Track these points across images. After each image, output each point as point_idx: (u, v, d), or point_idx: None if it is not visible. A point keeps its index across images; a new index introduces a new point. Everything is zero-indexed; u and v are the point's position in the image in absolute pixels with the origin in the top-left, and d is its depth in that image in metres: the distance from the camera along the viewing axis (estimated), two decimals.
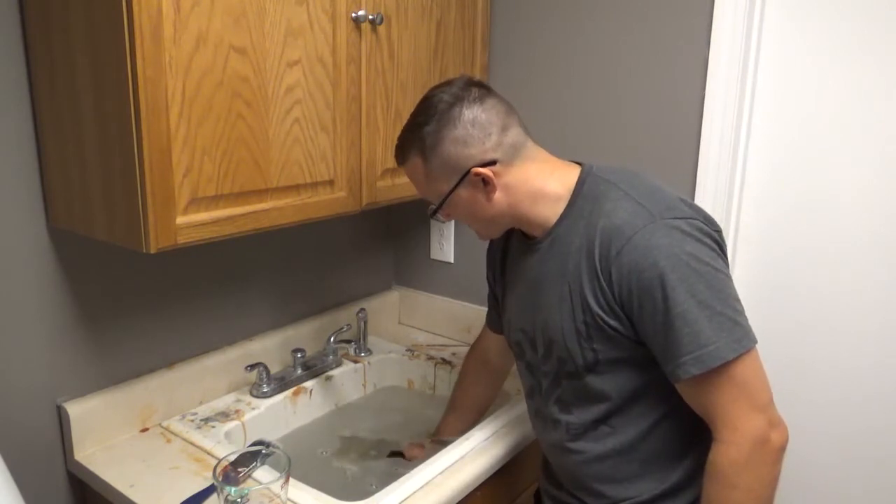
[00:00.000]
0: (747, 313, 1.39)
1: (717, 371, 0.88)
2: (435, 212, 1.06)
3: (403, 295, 1.92)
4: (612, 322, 0.95)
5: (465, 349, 1.74)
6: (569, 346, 1.01)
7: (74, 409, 1.21)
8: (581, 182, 1.01)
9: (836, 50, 1.24)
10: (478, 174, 0.98)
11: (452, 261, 1.80)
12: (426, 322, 1.87)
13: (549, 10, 1.50)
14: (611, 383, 0.99)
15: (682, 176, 1.38)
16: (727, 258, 0.96)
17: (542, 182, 1.02)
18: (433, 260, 1.84)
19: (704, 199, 1.36)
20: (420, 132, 1.00)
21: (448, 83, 1.02)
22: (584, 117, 1.50)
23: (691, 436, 1.00)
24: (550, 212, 1.02)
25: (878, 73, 1.21)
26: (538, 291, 1.05)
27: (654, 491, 1.01)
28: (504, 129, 1.00)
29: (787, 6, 1.27)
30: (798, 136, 1.30)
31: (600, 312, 0.95)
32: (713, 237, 0.93)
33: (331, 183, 1.25)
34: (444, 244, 1.80)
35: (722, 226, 1.35)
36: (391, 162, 1.37)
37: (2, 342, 1.14)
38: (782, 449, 0.92)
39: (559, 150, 1.09)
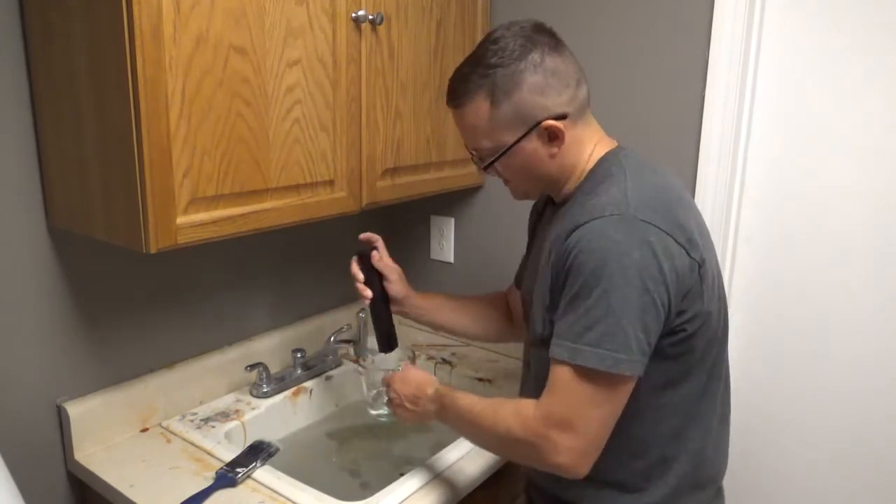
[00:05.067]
0: (745, 312, 1.41)
1: (563, 364, 0.88)
2: (491, 164, 0.99)
3: None
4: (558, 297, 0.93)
5: (466, 349, 1.75)
6: (535, 312, 1.00)
7: (74, 409, 1.21)
8: (601, 160, 0.98)
9: (836, 49, 1.24)
10: (549, 127, 0.94)
11: (452, 261, 1.80)
12: None
13: (548, 11, 1.50)
14: (548, 365, 0.94)
15: (682, 176, 1.38)
16: (680, 289, 0.88)
17: (587, 150, 0.99)
18: (433, 260, 1.84)
19: (704, 198, 1.36)
20: (493, 73, 0.92)
21: (514, 24, 0.95)
22: None
23: (647, 436, 0.97)
24: (574, 183, 0.99)
25: (877, 72, 1.21)
26: (538, 254, 1.03)
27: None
28: (579, 82, 0.96)
29: (787, 7, 1.27)
30: (798, 135, 1.30)
31: (557, 284, 0.93)
32: (675, 264, 0.86)
33: (331, 183, 1.25)
34: (444, 244, 1.80)
35: (722, 224, 1.36)
36: (391, 162, 1.37)
37: (2, 342, 1.14)
38: (549, 465, 0.89)
39: None
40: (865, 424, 1.32)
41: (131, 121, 0.93)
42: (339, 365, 1.61)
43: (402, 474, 1.18)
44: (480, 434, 1.01)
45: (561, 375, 0.88)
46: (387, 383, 1.18)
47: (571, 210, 0.95)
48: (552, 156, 0.96)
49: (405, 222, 1.87)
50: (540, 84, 0.92)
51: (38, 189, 1.15)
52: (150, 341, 1.34)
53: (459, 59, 1.50)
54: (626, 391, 0.88)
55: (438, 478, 1.17)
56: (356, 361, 1.32)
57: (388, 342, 1.28)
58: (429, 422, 1.13)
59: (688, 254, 0.88)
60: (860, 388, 1.31)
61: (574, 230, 0.88)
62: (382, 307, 1.27)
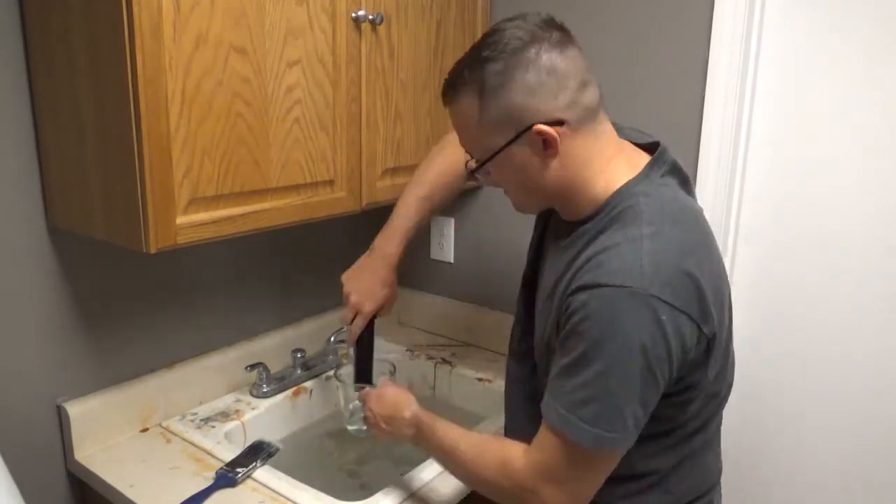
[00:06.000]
0: (746, 312, 1.41)
1: (554, 429, 0.84)
2: (477, 169, 0.91)
3: (403, 295, 1.91)
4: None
5: (465, 349, 1.75)
6: (536, 340, 0.96)
7: (74, 409, 1.21)
8: (617, 195, 0.87)
9: (836, 49, 1.24)
10: (541, 133, 0.83)
11: (452, 261, 1.80)
12: (426, 322, 1.87)
13: (548, 10, 1.50)
14: (538, 389, 0.92)
15: None
16: (684, 362, 0.82)
17: (595, 171, 0.87)
18: (433, 260, 1.84)
19: (704, 198, 1.36)
20: (482, 69, 0.83)
21: (521, 17, 0.86)
22: None
23: (631, 468, 0.92)
24: (583, 208, 0.89)
25: (877, 71, 1.21)
26: (546, 270, 0.97)
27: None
28: (583, 85, 0.85)
29: (787, 7, 1.27)
30: (798, 135, 1.30)
31: (556, 333, 0.87)
32: (685, 341, 0.80)
33: (331, 183, 1.25)
34: (444, 244, 1.80)
35: (722, 224, 1.36)
36: (391, 162, 1.37)
37: (2, 342, 1.14)
38: None
39: None
40: (866, 425, 1.32)
41: (131, 121, 0.93)
42: (339, 365, 1.61)
43: (402, 474, 1.18)
44: (461, 471, 0.99)
45: (552, 440, 0.85)
46: (363, 400, 1.13)
47: (580, 250, 0.86)
48: (546, 167, 0.87)
49: None
50: (532, 83, 0.82)
51: (38, 189, 1.15)
52: (149, 341, 1.34)
53: None
54: (616, 460, 0.86)
55: (439, 477, 1.17)
56: (334, 372, 1.27)
57: (364, 376, 1.26)
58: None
59: (700, 329, 0.82)
60: (860, 389, 1.31)
61: (580, 290, 0.81)
62: (367, 345, 1.26)
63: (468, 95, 0.86)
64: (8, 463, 0.91)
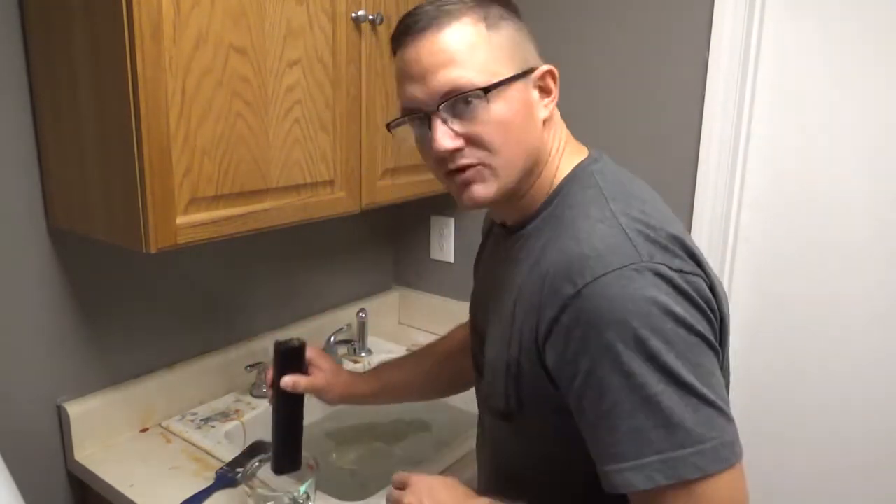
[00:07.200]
0: (746, 314, 1.41)
1: (688, 485, 0.62)
2: (491, 88, 0.71)
3: (403, 295, 1.92)
4: (539, 374, 0.72)
5: None
6: (494, 378, 0.80)
7: (74, 409, 1.21)
8: (571, 176, 0.77)
9: (836, 50, 1.24)
10: (543, 77, 0.76)
11: (452, 261, 1.80)
12: (426, 322, 1.87)
13: (548, 11, 1.50)
14: (509, 440, 0.79)
15: (682, 176, 1.38)
16: (717, 324, 0.70)
17: (556, 149, 0.79)
18: (433, 260, 1.84)
19: (704, 199, 1.36)
20: (482, 5, 0.74)
21: None
22: (583, 117, 1.50)
23: None
24: (536, 195, 0.79)
25: (877, 73, 1.21)
26: (494, 296, 0.84)
27: None
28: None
29: (787, 6, 1.27)
30: (798, 136, 1.30)
31: (531, 358, 0.72)
32: (710, 303, 0.68)
33: (331, 183, 1.25)
34: (444, 244, 1.80)
35: (721, 226, 1.36)
36: (391, 162, 1.37)
37: (2, 342, 1.14)
38: None
39: None
40: (867, 429, 1.32)
41: (131, 121, 0.93)
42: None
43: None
44: None
45: (683, 498, 0.63)
46: (399, 484, 0.86)
47: (543, 248, 0.74)
48: (537, 120, 0.76)
49: (405, 222, 1.87)
50: (521, 31, 0.76)
51: (38, 189, 1.15)
52: (150, 341, 1.34)
53: None
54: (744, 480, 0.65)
55: None
56: (241, 474, 1.03)
57: (287, 460, 0.99)
58: None
59: (709, 282, 0.71)
60: (860, 393, 1.31)
61: (568, 304, 0.66)
62: (293, 411, 1.00)
63: (469, 19, 0.73)
64: (8, 463, 0.91)
